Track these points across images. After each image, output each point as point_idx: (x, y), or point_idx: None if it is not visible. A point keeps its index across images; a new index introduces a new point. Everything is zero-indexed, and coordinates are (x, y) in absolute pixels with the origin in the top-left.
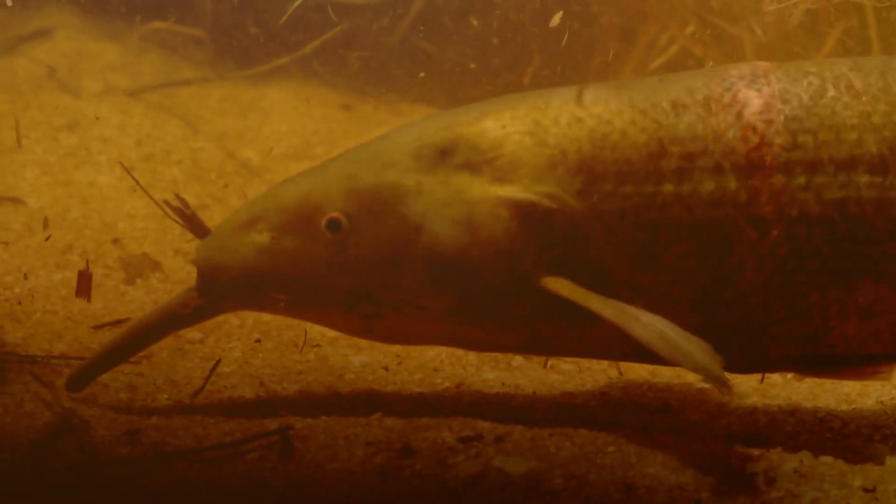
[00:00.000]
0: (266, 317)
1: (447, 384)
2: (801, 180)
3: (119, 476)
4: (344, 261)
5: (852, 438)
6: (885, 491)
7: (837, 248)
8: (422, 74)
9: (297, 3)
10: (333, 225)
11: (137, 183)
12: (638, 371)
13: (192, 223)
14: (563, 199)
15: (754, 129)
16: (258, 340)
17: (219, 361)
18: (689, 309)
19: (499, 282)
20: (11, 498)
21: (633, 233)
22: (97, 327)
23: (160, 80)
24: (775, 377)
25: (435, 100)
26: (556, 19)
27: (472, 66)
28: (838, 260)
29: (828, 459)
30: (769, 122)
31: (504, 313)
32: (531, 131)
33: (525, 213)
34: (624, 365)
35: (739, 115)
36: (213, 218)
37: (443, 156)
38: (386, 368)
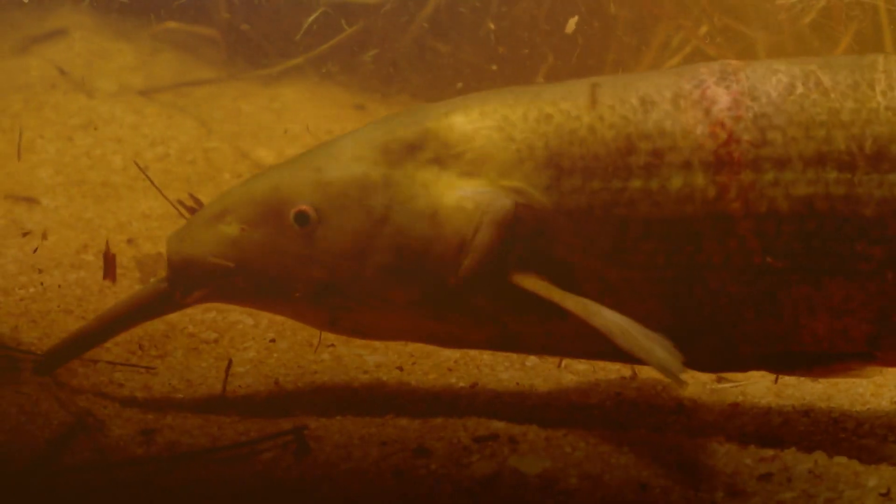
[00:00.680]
0: (281, 317)
1: (462, 384)
2: (769, 177)
3: (134, 476)
4: (311, 253)
5: (867, 439)
6: None
7: (807, 246)
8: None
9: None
10: (301, 217)
11: (152, 182)
12: (653, 372)
13: None
14: (530, 193)
15: (723, 125)
16: (273, 340)
17: (230, 363)
18: (658, 306)
19: (464, 277)
20: (27, 497)
21: (601, 228)
22: None
23: (174, 80)
24: (789, 378)
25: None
26: (571, 25)
27: (493, 67)
28: (808, 257)
29: (842, 460)
30: (737, 119)
31: (470, 308)
32: (499, 126)
33: (490, 207)
34: (638, 365)
35: (708, 111)
36: None
37: (411, 150)
38: (400, 368)
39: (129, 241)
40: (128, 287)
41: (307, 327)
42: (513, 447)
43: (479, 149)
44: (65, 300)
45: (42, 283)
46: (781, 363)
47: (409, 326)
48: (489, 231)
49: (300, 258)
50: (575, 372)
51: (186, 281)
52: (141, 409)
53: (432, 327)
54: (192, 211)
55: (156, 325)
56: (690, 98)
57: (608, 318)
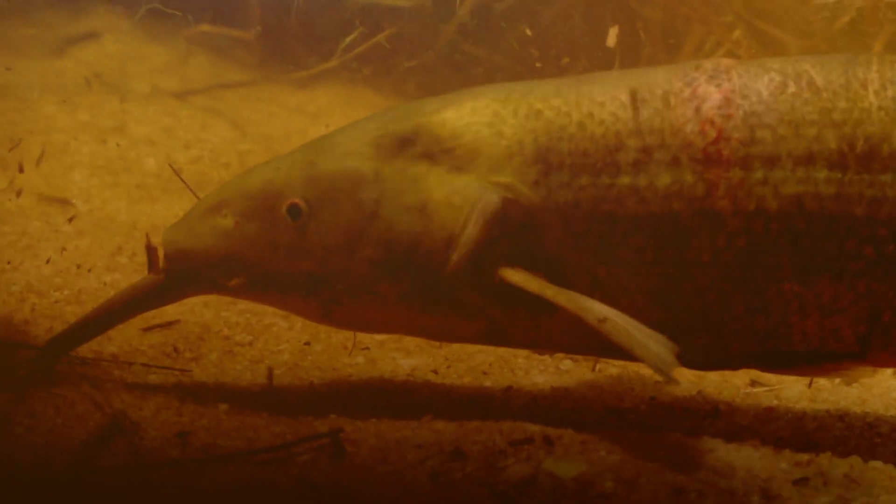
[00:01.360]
0: None
1: (496, 387)
2: (758, 175)
3: (170, 478)
4: (303, 246)
5: None
6: None
7: (795, 244)
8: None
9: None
10: (293, 210)
11: (186, 185)
12: (687, 375)
13: None
14: (519, 189)
15: (712, 123)
16: (307, 343)
17: (271, 373)
18: (647, 302)
19: (452, 271)
20: (64, 499)
21: (589, 224)
22: (147, 329)
23: (208, 83)
24: (823, 382)
25: None
26: (612, 37)
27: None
28: (796, 256)
29: (878, 464)
30: (728, 117)
31: (458, 302)
32: (490, 122)
33: (478, 202)
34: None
35: (698, 109)
36: None
37: (403, 145)
38: (435, 371)
39: None
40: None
41: (341, 330)
42: (548, 450)
43: (468, 144)
44: (99, 302)
45: (76, 286)
46: (772, 362)
47: (401, 320)
48: (476, 226)
49: (292, 251)
50: (609, 376)
51: (182, 272)
52: (176, 411)
53: (423, 321)
54: None
55: (190, 328)
56: (681, 96)
57: (601, 314)
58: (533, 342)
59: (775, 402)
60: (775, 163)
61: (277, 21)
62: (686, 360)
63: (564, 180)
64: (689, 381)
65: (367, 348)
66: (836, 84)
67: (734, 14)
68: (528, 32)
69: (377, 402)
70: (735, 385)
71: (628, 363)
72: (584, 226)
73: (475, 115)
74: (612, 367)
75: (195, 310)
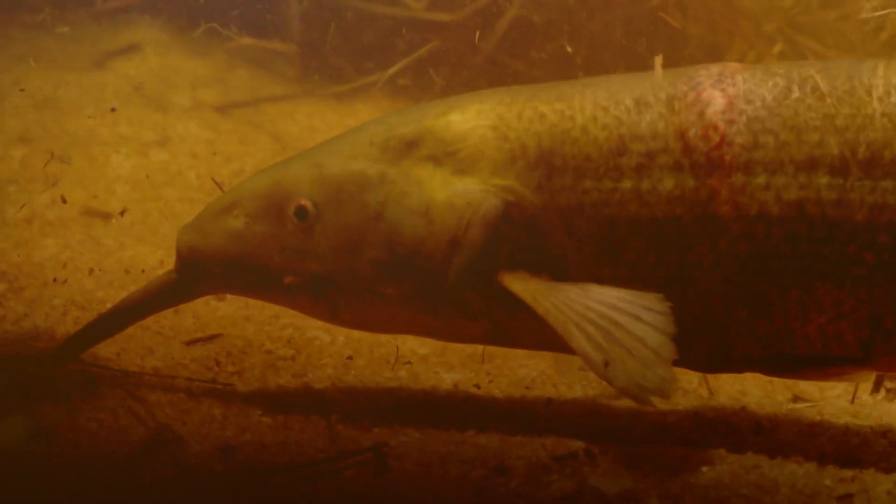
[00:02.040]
0: (357, 334)
1: (539, 402)
2: (760, 180)
3: (214, 492)
4: (310, 246)
5: None
6: None
7: (797, 249)
8: None
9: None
10: (300, 212)
11: None
12: (730, 392)
13: None
14: (521, 192)
15: (715, 128)
16: (350, 357)
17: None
18: None
19: (454, 273)
20: None
21: (592, 227)
22: (189, 343)
23: (248, 96)
24: (866, 398)
25: None
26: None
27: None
28: (798, 261)
29: None
30: (731, 122)
31: (462, 304)
32: (494, 125)
33: (480, 205)
34: (714, 384)
35: (701, 113)
36: None
37: (409, 147)
38: (478, 386)
39: None
40: (203, 303)
41: (384, 344)
42: (592, 466)
43: (472, 147)
44: None
45: (119, 299)
46: (776, 365)
47: (406, 320)
48: (478, 229)
49: (299, 251)
50: None
51: (194, 271)
52: (219, 425)
53: (427, 321)
54: None
55: (233, 342)
56: (685, 100)
57: (588, 328)
58: (537, 343)
59: (818, 418)
60: (777, 168)
61: (318, 34)
62: (689, 362)
63: (567, 184)
64: (732, 396)
65: (410, 363)
66: (840, 90)
67: (775, 28)
68: (569, 49)
69: (420, 417)
70: (777, 401)
71: None
72: (587, 229)
73: (480, 119)
74: None
75: (237, 324)
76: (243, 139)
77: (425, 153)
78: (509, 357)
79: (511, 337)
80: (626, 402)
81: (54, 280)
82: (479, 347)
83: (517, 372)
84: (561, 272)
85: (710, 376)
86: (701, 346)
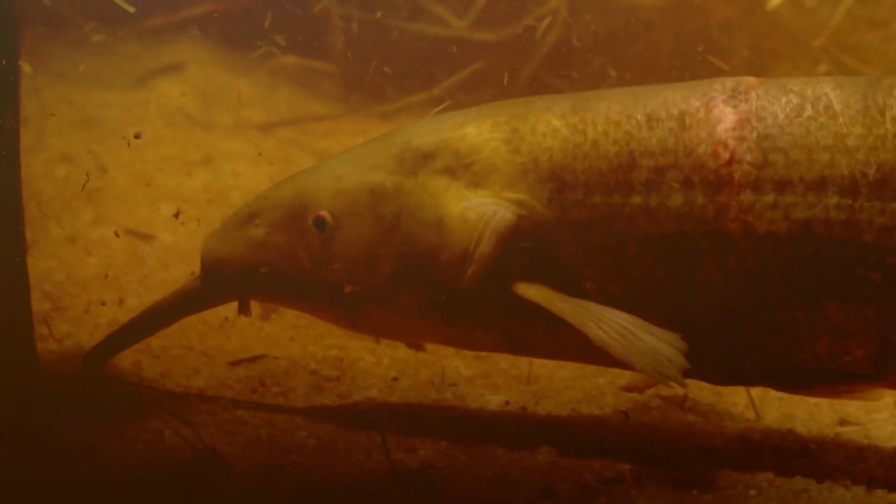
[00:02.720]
0: (402, 354)
1: (586, 424)
2: (769, 198)
3: None
4: (328, 257)
5: None
6: None
7: (805, 268)
8: None
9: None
10: (319, 222)
11: None
12: (776, 415)
13: None
14: (532, 205)
15: (725, 145)
16: (395, 378)
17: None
18: (660, 319)
19: (467, 284)
20: None
21: (601, 242)
22: (234, 363)
23: (292, 115)
24: None
25: None
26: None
27: None
28: (806, 279)
29: None
30: (741, 139)
31: (476, 315)
32: (507, 139)
33: (493, 218)
34: (760, 407)
35: (712, 130)
36: None
37: (425, 159)
38: (524, 408)
39: None
40: (248, 324)
41: (429, 365)
42: (640, 489)
43: (486, 160)
44: (186, 336)
45: None
46: (787, 381)
47: (422, 329)
48: (490, 241)
49: (318, 261)
50: (699, 414)
51: (217, 279)
52: (265, 446)
53: (444, 331)
54: None
55: (277, 362)
56: (696, 116)
57: (608, 324)
58: (554, 353)
59: (865, 441)
60: (786, 187)
61: (361, 54)
62: (700, 374)
63: (578, 198)
64: (778, 419)
65: (456, 384)
66: (853, 109)
67: (820, 48)
68: (612, 73)
69: (467, 439)
70: (824, 424)
71: (716, 402)
72: (597, 243)
73: (494, 132)
74: (702, 405)
75: (282, 344)
76: (287, 158)
77: (441, 165)
78: (554, 378)
79: (528, 347)
80: (672, 425)
81: (102, 304)
82: (525, 369)
83: (563, 394)
84: (572, 286)
85: (756, 399)
86: (710, 358)
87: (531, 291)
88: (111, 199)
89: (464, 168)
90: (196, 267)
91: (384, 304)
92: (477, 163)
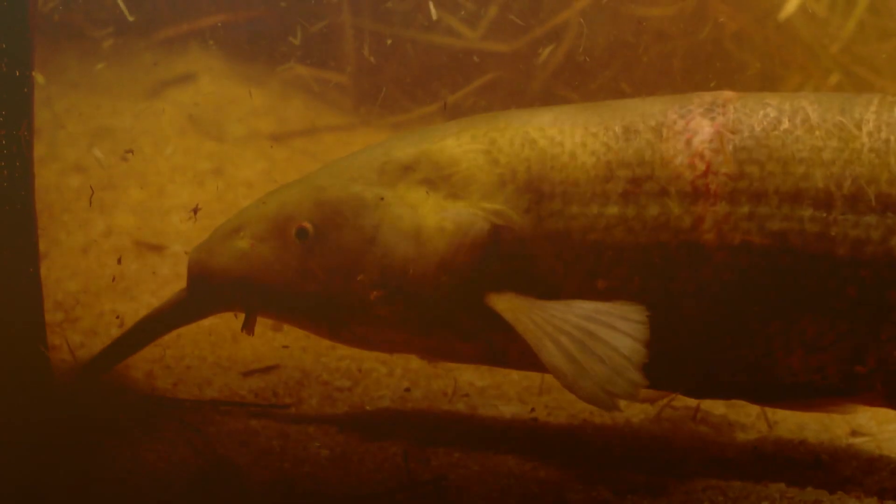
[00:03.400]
0: (414, 365)
1: (598, 436)
2: (744, 210)
3: None
4: (310, 267)
5: None
6: None
7: (779, 280)
8: None
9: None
10: (301, 233)
11: None
12: (788, 426)
13: None
14: (510, 216)
15: (701, 156)
16: (407, 389)
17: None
18: None
19: (444, 295)
20: None
21: (578, 252)
22: (247, 374)
23: (303, 126)
24: None
25: None
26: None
27: None
28: (780, 292)
29: None
30: (717, 151)
31: (455, 326)
32: (486, 150)
33: (469, 229)
34: (773, 418)
35: (689, 142)
36: None
37: (405, 171)
38: (535, 419)
39: None
40: (260, 334)
41: (441, 376)
42: (652, 501)
43: (465, 171)
44: (199, 346)
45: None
46: (762, 394)
47: (402, 340)
48: (466, 251)
49: (300, 272)
50: (711, 425)
51: (204, 290)
52: (278, 457)
53: (424, 342)
54: None
55: (290, 373)
56: (673, 128)
57: (564, 341)
58: (533, 364)
59: (877, 452)
60: (761, 199)
61: (374, 65)
62: (679, 387)
63: (556, 209)
64: (790, 430)
65: (468, 395)
66: (830, 122)
67: (831, 59)
68: (626, 88)
69: (479, 450)
70: (836, 435)
71: (728, 412)
72: (574, 253)
73: (473, 143)
74: (713, 417)
75: (294, 355)
76: (298, 169)
77: (421, 177)
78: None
79: (506, 358)
80: (684, 436)
81: (117, 319)
82: (537, 381)
83: (575, 405)
84: (551, 295)
85: (768, 410)
86: (687, 370)
87: (501, 304)
88: (124, 210)
89: (443, 179)
90: None
91: (365, 314)
92: (456, 174)
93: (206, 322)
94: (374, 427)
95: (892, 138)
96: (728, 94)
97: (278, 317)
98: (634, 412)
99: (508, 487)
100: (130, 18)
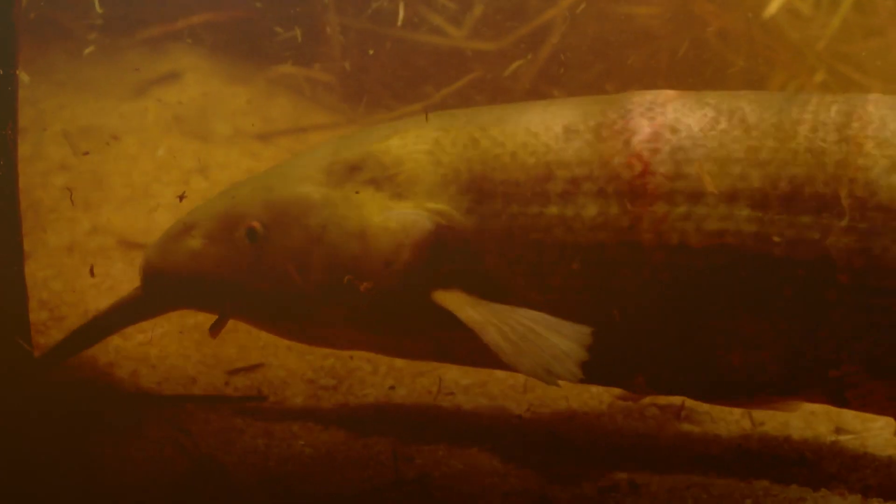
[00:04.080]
0: (399, 363)
1: (581, 433)
2: (682, 210)
3: None
4: (261, 268)
5: None
6: None
7: (717, 279)
8: None
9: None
10: (251, 233)
11: None
12: (773, 423)
13: None
14: (453, 215)
15: (639, 156)
16: (392, 387)
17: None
18: None
19: (391, 294)
20: None
21: (520, 252)
22: (232, 372)
23: (289, 125)
24: None
25: None
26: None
27: None
28: (718, 290)
29: None
30: (655, 151)
31: (402, 324)
32: (430, 150)
33: (413, 228)
34: (758, 417)
35: (627, 142)
36: None
37: (352, 171)
38: (520, 417)
39: None
40: (245, 332)
41: (426, 374)
42: (636, 498)
43: (409, 171)
44: (183, 345)
45: (159, 328)
46: (705, 391)
47: (351, 338)
48: (410, 251)
49: (250, 272)
50: (696, 422)
51: (157, 289)
52: (263, 456)
53: (374, 340)
54: None
55: (274, 371)
56: (612, 128)
57: (507, 330)
58: (481, 361)
59: (861, 450)
60: (698, 199)
61: (359, 63)
62: (624, 385)
63: (497, 208)
64: (775, 428)
65: (453, 393)
66: (767, 123)
67: (816, 58)
68: (609, 89)
69: (463, 448)
70: (820, 433)
71: (712, 410)
72: (516, 252)
73: (418, 143)
74: (699, 415)
75: (279, 353)
76: None
77: (367, 177)
78: (551, 388)
79: (454, 355)
80: (668, 435)
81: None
82: (521, 379)
83: (559, 403)
84: (496, 294)
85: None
86: (630, 369)
87: (446, 299)
88: (108, 209)
89: (388, 179)
90: None
91: (314, 313)
92: (401, 174)
93: (191, 320)
94: (359, 425)
95: (829, 139)
96: (669, 93)
97: (237, 317)
98: (618, 410)
99: (492, 485)
100: (99, 10)
